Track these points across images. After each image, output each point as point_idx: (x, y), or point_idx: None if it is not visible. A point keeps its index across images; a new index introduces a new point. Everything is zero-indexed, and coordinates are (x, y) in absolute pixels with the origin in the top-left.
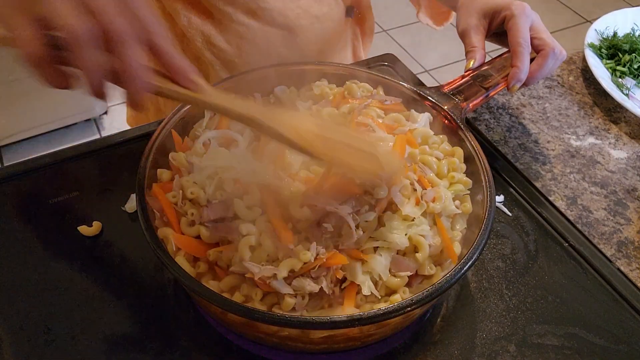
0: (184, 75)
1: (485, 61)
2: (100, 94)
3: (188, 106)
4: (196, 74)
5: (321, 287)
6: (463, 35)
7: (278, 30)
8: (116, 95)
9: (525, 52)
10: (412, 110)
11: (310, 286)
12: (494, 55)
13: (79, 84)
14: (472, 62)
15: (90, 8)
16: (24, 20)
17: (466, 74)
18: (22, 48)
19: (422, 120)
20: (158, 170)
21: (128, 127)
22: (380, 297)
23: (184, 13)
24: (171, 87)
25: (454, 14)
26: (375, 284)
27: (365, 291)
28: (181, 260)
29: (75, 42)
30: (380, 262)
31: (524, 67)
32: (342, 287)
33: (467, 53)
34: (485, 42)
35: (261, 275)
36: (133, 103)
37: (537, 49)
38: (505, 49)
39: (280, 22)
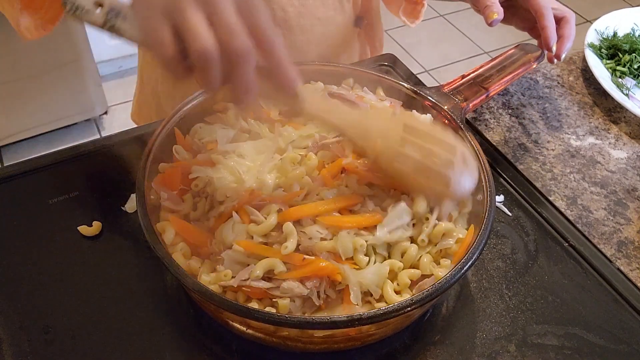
0: (288, 90)
1: (485, 62)
2: (213, 92)
3: (188, 106)
4: (299, 86)
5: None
6: None
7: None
8: (116, 95)
9: (551, 13)
10: (414, 111)
11: (299, 289)
12: (494, 55)
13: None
14: (495, 15)
15: (215, 21)
16: (164, 27)
17: (465, 74)
18: (159, 53)
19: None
20: (160, 165)
21: (128, 127)
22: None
23: None
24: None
25: (423, 12)
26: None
27: (353, 299)
28: (178, 257)
29: (199, 61)
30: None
31: (553, 25)
32: (338, 289)
33: (485, 7)
34: (484, 42)
35: (239, 283)
36: (240, 107)
37: (557, 17)
38: (498, 52)
39: (280, 17)
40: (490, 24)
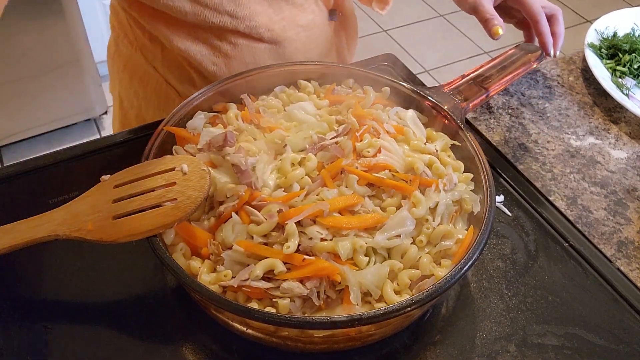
0: None
1: (485, 62)
2: None
3: (188, 107)
4: None
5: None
6: (477, 4)
7: (265, 45)
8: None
9: (544, 17)
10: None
11: (300, 289)
12: (494, 55)
13: None
14: (500, 31)
15: None
16: None
17: (465, 74)
18: None
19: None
20: None
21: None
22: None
23: (169, 38)
24: None
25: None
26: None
27: (352, 299)
28: (178, 257)
29: None
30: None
31: (548, 30)
32: (338, 289)
33: (486, 21)
34: (484, 42)
35: (239, 283)
36: None
37: (547, 15)
38: (498, 52)
39: (267, 37)
40: (495, 39)
